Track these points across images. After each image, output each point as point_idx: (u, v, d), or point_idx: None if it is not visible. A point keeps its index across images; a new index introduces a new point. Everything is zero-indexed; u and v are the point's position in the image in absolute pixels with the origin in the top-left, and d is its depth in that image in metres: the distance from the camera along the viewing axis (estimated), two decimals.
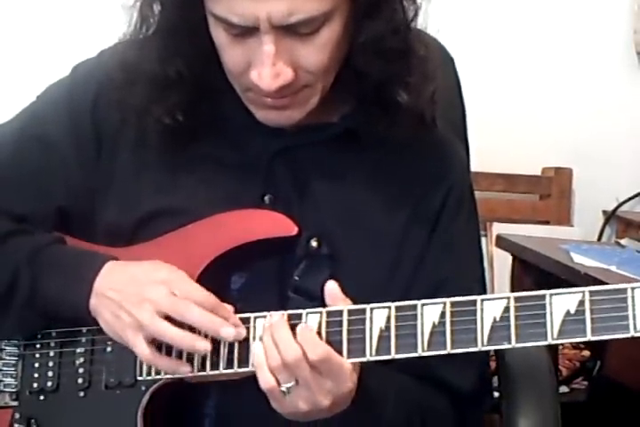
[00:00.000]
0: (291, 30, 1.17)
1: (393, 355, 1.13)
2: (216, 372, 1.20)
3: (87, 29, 2.57)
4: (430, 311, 1.13)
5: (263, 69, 1.18)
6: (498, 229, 2.72)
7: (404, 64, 1.26)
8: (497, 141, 2.82)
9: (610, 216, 2.89)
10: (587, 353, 2.46)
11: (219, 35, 1.22)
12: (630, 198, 2.90)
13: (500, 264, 2.60)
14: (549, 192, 2.95)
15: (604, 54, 2.95)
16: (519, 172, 2.93)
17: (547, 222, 2.93)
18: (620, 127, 2.96)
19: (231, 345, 1.20)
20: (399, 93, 1.27)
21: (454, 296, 1.14)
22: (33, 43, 2.66)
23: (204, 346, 1.18)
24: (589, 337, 1.05)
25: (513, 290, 2.39)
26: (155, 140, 1.33)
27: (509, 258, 2.42)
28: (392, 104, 1.28)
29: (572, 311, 1.07)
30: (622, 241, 2.44)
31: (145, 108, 1.30)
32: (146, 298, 1.20)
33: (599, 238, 2.89)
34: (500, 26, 2.90)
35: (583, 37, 2.93)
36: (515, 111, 2.93)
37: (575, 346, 2.53)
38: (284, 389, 1.13)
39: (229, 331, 1.18)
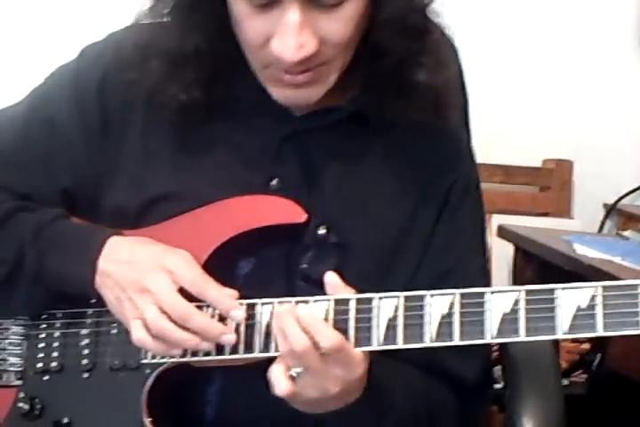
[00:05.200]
0: (315, 1, 1.16)
1: (400, 345, 1.13)
2: (221, 357, 1.20)
3: (95, 12, 2.56)
4: (439, 302, 1.13)
5: (288, 39, 1.16)
6: (497, 220, 2.71)
7: (422, 43, 1.25)
8: (498, 133, 2.81)
9: (611, 209, 2.88)
10: (586, 346, 2.45)
11: (239, 6, 1.20)
12: (631, 191, 2.89)
13: (500, 255, 2.60)
14: (550, 184, 2.94)
15: (606, 45, 2.93)
16: (520, 163, 2.92)
17: (546, 214, 2.92)
18: (623, 120, 2.95)
19: (236, 331, 1.19)
20: (417, 72, 1.26)
21: (457, 288, 1.14)
22: (41, 25, 2.65)
23: (207, 346, 1.19)
24: (600, 333, 1.05)
25: (515, 281, 2.39)
26: (166, 120, 1.32)
27: (511, 249, 2.42)
28: (408, 85, 1.27)
29: (584, 306, 1.07)
30: (625, 233, 2.44)
31: (159, 87, 1.29)
32: (146, 287, 1.20)
33: (599, 231, 2.88)
34: (502, 17, 2.88)
35: (586, 29, 2.91)
36: (516, 102, 2.91)
37: (575, 339, 2.53)
38: (293, 373, 1.13)
39: (230, 338, 1.19)
